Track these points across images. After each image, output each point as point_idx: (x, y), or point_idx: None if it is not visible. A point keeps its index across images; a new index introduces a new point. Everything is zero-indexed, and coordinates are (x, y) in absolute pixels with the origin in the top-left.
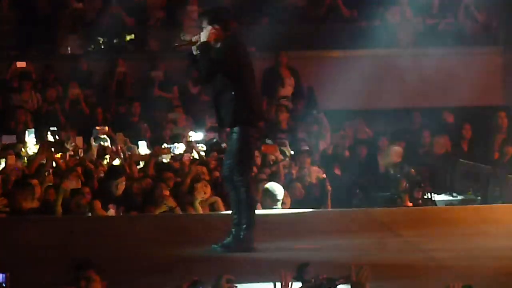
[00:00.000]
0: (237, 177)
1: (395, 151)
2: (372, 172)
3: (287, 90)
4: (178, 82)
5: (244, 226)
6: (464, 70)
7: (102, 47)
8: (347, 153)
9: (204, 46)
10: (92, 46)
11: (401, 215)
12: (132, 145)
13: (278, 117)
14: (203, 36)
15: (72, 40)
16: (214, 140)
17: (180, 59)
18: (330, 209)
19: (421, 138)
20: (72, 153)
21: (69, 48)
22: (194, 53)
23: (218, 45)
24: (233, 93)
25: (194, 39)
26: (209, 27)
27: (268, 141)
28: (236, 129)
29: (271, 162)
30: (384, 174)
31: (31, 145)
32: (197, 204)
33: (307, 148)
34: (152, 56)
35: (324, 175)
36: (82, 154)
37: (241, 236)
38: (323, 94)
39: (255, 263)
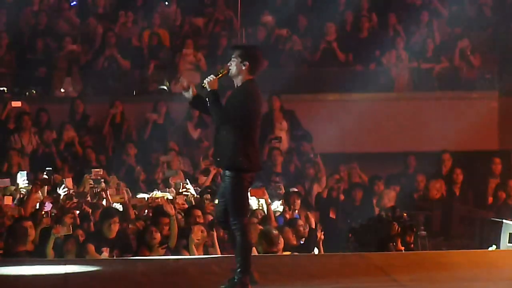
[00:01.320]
0: (232, 220)
1: (389, 195)
2: (366, 216)
3: (280, 132)
4: (176, 125)
5: (239, 270)
6: (459, 114)
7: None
8: (342, 196)
9: (214, 92)
10: (91, 89)
11: (396, 259)
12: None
13: (272, 160)
14: (232, 67)
15: (67, 82)
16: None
17: (180, 102)
18: (324, 253)
19: (416, 182)
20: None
21: (63, 90)
22: (204, 85)
23: (238, 84)
24: (235, 137)
25: (224, 69)
26: (238, 60)
27: (258, 184)
28: (230, 173)
29: (260, 207)
30: (377, 218)
31: (23, 186)
32: (192, 246)
33: (296, 190)
34: (150, 99)
35: (313, 223)
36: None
37: (235, 280)
38: (318, 137)
39: None
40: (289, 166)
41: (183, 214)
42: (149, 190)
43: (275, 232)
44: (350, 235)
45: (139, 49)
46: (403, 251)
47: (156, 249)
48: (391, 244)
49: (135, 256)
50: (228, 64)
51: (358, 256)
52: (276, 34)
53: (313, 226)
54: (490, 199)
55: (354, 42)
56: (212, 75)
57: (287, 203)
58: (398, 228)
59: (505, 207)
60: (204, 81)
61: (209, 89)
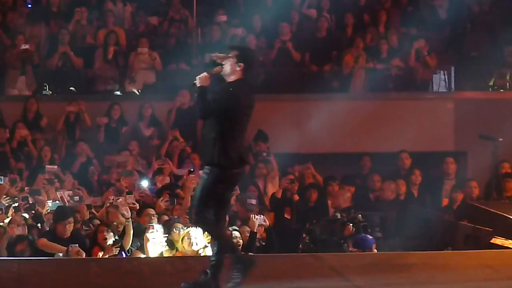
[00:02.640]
0: (193, 215)
1: (344, 196)
2: (321, 216)
3: None
4: (130, 125)
5: (211, 263)
6: (415, 115)
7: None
8: (296, 197)
9: (203, 88)
10: (44, 87)
11: (350, 260)
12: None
13: None
14: (226, 66)
15: (21, 81)
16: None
17: (132, 101)
18: (279, 254)
19: (372, 183)
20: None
21: (16, 89)
22: (195, 82)
23: (226, 82)
24: (215, 133)
25: (216, 69)
26: (234, 61)
27: None
28: (207, 167)
29: None
30: (332, 218)
31: None
32: (146, 246)
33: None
34: (104, 98)
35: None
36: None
37: (207, 275)
38: (274, 137)
39: None
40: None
41: (135, 214)
42: (103, 190)
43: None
44: (304, 235)
45: (93, 47)
46: (358, 253)
47: (109, 249)
48: (345, 245)
49: (89, 256)
50: (223, 62)
51: (312, 257)
52: (231, 34)
53: (254, 230)
54: (446, 201)
55: (310, 42)
56: (204, 72)
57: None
58: (352, 229)
59: (460, 208)
60: (196, 78)
61: (198, 85)
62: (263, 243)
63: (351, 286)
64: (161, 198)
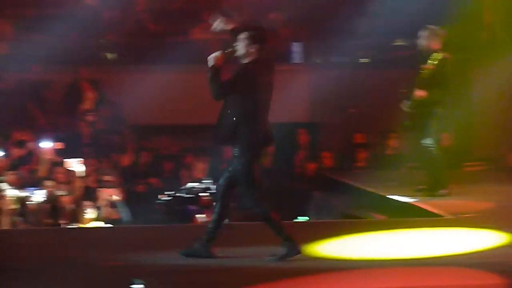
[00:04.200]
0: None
1: (199, 167)
2: (176, 187)
3: (88, 104)
4: None
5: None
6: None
7: None
8: (151, 168)
9: (215, 68)
10: None
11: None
12: None
13: (82, 132)
14: (240, 48)
15: None
16: None
17: None
18: (135, 225)
19: (225, 154)
20: None
21: None
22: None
23: (243, 62)
24: (239, 117)
25: (229, 49)
26: (247, 43)
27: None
28: (237, 152)
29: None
30: (187, 189)
31: None
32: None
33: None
34: None
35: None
36: None
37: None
38: (128, 108)
39: None
40: (98, 138)
41: None
42: None
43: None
44: (160, 206)
45: None
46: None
47: None
48: (200, 215)
49: None
50: (234, 45)
51: (169, 228)
52: (85, 4)
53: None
54: (298, 171)
55: (164, 14)
56: (219, 51)
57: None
58: (207, 200)
59: (313, 178)
60: (209, 57)
61: (211, 65)
62: (117, 216)
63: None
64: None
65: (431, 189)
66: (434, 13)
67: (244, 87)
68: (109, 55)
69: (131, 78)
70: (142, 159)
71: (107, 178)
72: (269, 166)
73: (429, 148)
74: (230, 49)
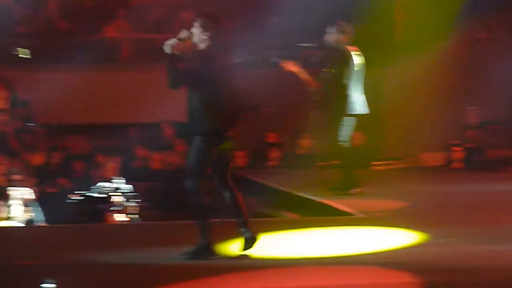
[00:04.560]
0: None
1: (110, 166)
2: (87, 187)
3: (0, 103)
4: None
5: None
6: None
7: None
8: (62, 168)
9: (172, 57)
10: None
11: (117, 232)
12: None
13: None
14: (195, 35)
15: None
16: None
17: None
18: (47, 225)
19: (137, 153)
20: None
21: None
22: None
23: (198, 50)
24: (202, 104)
25: (184, 36)
26: (200, 30)
27: None
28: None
29: None
30: (98, 189)
31: None
32: None
33: None
34: None
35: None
36: None
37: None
38: (40, 107)
39: None
40: (9, 136)
41: None
42: None
43: None
44: (70, 206)
45: None
46: (123, 222)
47: None
48: (111, 215)
49: None
50: (190, 31)
51: (80, 228)
52: None
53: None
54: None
55: (76, 12)
56: (175, 39)
57: None
58: (118, 201)
59: None
60: (166, 43)
61: (169, 52)
62: (29, 215)
63: (121, 258)
64: None
65: (342, 188)
66: (345, 12)
67: (202, 73)
68: (21, 54)
69: (43, 77)
70: (54, 158)
71: (18, 177)
72: (181, 164)
73: (340, 147)
74: (185, 36)
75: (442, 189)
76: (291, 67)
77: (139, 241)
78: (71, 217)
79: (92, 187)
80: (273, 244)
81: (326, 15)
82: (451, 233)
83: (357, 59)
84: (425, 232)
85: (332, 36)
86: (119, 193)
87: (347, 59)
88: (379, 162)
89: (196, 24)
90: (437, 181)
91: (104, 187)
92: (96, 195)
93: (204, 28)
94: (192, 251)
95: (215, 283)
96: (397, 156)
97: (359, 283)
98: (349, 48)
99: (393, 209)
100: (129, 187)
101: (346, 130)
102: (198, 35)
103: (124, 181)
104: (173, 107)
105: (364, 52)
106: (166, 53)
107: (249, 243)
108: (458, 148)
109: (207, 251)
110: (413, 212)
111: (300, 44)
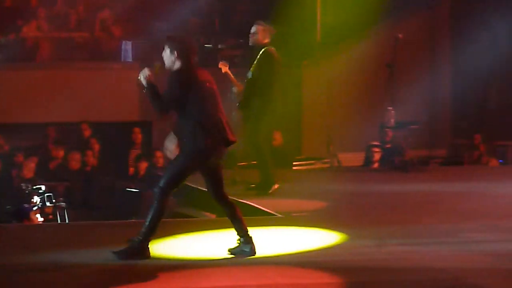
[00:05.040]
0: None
1: (28, 166)
2: (6, 187)
3: None
4: None
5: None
6: (100, 85)
7: None
8: None
9: (151, 86)
10: None
11: (36, 232)
12: None
13: None
14: (165, 60)
15: None
16: None
17: None
18: None
19: (55, 153)
20: None
21: None
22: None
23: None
24: (188, 126)
25: (157, 64)
26: (168, 51)
27: None
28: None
29: None
30: (17, 188)
31: None
32: None
33: None
34: None
35: None
36: None
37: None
38: None
39: None
40: None
41: None
42: None
43: None
44: None
45: None
46: (42, 223)
47: None
48: (35, 216)
49: None
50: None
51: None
52: None
53: None
54: (131, 170)
55: None
56: (147, 70)
57: None
58: (38, 200)
59: (145, 177)
60: (140, 76)
61: (145, 84)
62: None
63: (40, 258)
64: None
65: (262, 188)
66: (267, 13)
67: (183, 93)
68: None
69: None
70: None
71: None
72: (97, 164)
73: (259, 147)
74: (156, 63)
75: (361, 189)
76: (225, 68)
77: (58, 241)
78: None
79: (12, 186)
80: (188, 245)
81: (249, 15)
82: (370, 233)
83: (277, 59)
84: (344, 232)
85: (254, 35)
86: (36, 194)
87: (268, 59)
88: (299, 162)
89: (166, 47)
90: (357, 181)
91: (23, 186)
92: (16, 194)
93: (173, 50)
94: (125, 251)
95: (138, 284)
96: (317, 156)
97: (278, 282)
98: (270, 48)
99: (312, 209)
100: (46, 187)
101: (265, 130)
102: (168, 59)
103: (43, 180)
104: (92, 106)
105: (285, 52)
106: (143, 85)
107: (248, 256)
108: (377, 149)
109: (142, 252)
110: (332, 212)
111: (205, 45)
